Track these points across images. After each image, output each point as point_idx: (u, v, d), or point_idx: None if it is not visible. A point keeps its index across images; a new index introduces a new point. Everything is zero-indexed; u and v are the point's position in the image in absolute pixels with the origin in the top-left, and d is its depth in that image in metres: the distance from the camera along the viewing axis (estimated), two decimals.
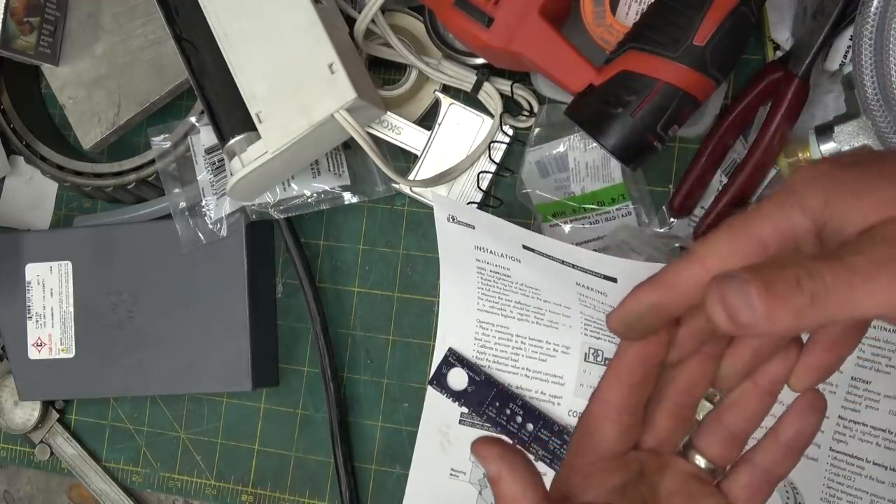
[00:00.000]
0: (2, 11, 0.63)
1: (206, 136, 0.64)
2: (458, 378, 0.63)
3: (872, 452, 0.55)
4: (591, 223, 0.61)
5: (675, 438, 0.37)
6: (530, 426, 0.61)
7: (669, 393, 0.36)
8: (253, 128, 0.57)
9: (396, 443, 0.65)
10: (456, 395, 0.63)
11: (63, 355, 0.67)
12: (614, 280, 0.54)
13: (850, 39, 0.53)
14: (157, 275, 0.65)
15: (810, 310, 0.27)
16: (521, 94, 0.62)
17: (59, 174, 0.68)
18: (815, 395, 0.35)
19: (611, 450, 0.35)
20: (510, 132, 0.63)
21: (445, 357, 0.63)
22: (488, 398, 0.62)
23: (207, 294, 0.65)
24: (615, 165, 0.60)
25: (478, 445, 0.33)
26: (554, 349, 0.62)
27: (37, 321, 0.67)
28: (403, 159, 0.65)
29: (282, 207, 0.63)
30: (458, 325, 0.63)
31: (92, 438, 0.71)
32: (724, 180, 0.58)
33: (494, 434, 0.62)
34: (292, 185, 0.63)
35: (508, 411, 0.62)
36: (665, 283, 0.32)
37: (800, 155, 0.54)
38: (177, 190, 0.64)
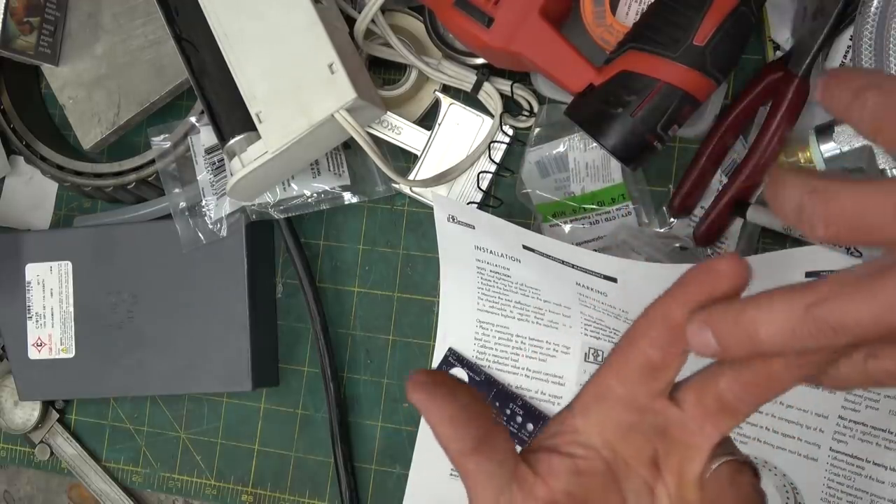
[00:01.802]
0: (2, 11, 0.63)
1: (206, 136, 0.64)
2: (458, 378, 0.63)
3: (872, 452, 0.55)
4: (591, 223, 0.61)
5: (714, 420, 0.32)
6: (530, 426, 0.61)
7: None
8: (253, 128, 0.57)
9: (396, 443, 0.65)
10: None
11: (63, 355, 0.67)
12: (614, 280, 0.54)
13: (850, 39, 0.53)
14: (157, 275, 0.65)
15: None
16: (521, 94, 0.62)
17: (59, 174, 0.68)
18: None
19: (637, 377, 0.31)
20: (510, 132, 0.63)
21: (445, 357, 0.63)
22: (488, 398, 0.62)
23: (207, 294, 0.65)
24: (615, 165, 0.60)
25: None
26: (554, 349, 0.62)
27: (37, 321, 0.67)
28: (403, 159, 0.65)
29: (282, 207, 0.63)
30: (458, 325, 0.63)
31: (92, 438, 0.71)
32: (724, 180, 0.58)
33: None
34: (292, 185, 0.63)
35: (508, 411, 0.62)
36: None
37: (800, 155, 0.54)
38: (177, 190, 0.64)
